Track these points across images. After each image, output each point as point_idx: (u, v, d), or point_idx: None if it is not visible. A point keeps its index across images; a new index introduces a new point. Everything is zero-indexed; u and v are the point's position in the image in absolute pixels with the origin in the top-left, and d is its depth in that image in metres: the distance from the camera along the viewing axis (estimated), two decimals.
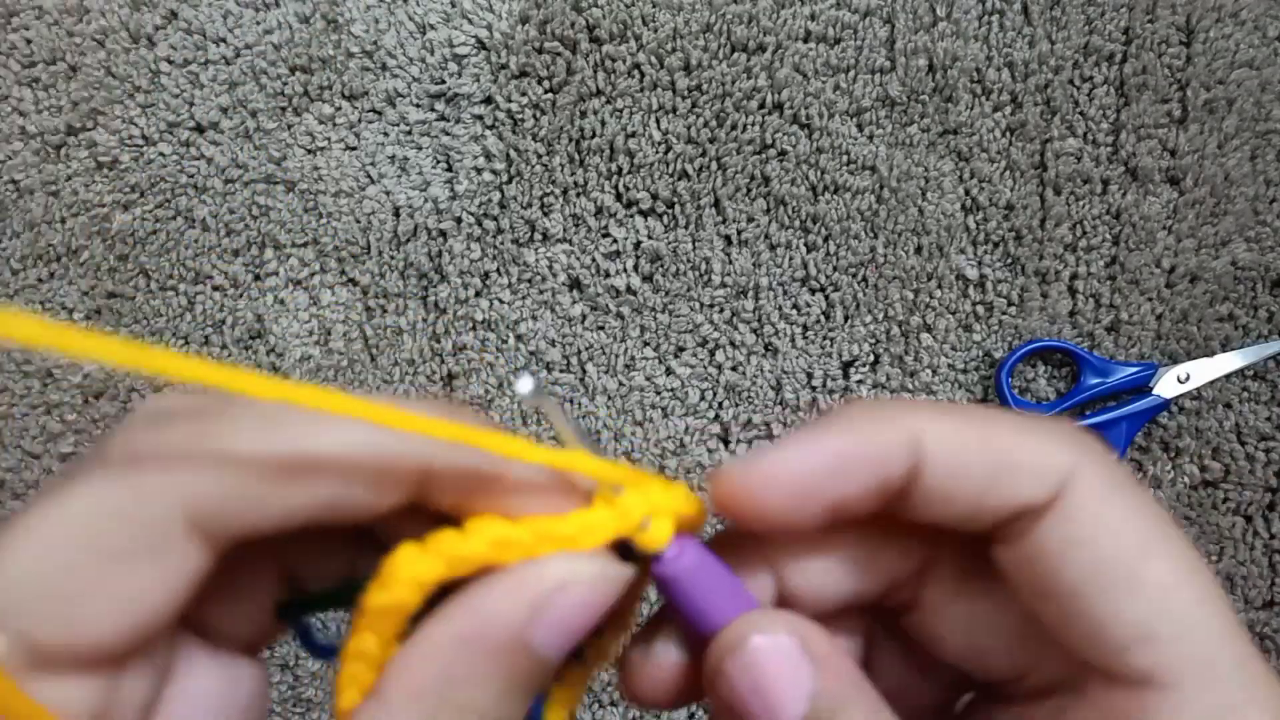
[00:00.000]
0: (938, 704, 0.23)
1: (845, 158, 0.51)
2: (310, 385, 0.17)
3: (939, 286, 0.51)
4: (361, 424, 0.17)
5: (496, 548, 0.18)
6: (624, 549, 0.20)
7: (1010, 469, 0.18)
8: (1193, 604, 0.18)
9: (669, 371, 0.51)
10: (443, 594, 0.19)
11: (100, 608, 0.16)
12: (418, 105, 0.52)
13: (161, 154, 0.52)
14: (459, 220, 0.52)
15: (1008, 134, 0.51)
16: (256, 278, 0.52)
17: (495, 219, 0.52)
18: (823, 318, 0.51)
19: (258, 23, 0.52)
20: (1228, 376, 0.50)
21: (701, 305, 0.51)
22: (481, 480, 0.19)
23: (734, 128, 0.51)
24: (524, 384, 0.19)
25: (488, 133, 0.52)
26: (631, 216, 0.52)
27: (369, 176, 0.52)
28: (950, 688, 0.23)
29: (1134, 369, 0.49)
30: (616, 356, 0.51)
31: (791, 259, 0.51)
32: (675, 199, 0.51)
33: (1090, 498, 0.18)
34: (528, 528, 0.19)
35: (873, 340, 0.51)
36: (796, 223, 0.51)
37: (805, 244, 0.51)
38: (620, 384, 0.51)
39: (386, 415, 0.17)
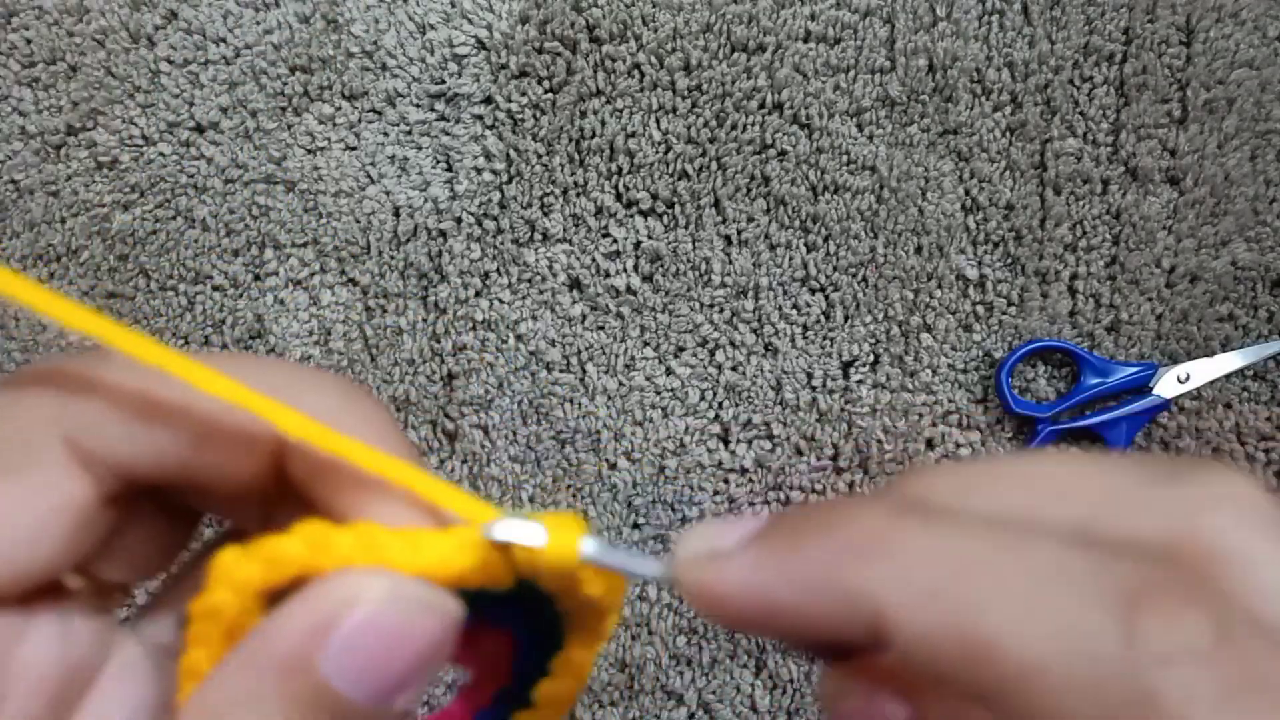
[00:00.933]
0: None
1: (845, 158, 0.51)
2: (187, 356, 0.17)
3: (939, 286, 0.51)
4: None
5: (314, 551, 0.16)
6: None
7: (1013, 706, 0.14)
8: None
9: (669, 371, 0.51)
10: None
11: None
12: (418, 105, 0.52)
13: (161, 154, 0.52)
14: (459, 220, 0.52)
15: (1008, 134, 0.51)
16: (256, 278, 0.52)
17: (495, 219, 0.52)
18: (823, 318, 0.51)
19: (258, 23, 0.52)
20: (1228, 376, 0.50)
21: (701, 305, 0.51)
22: (337, 472, 0.17)
23: (734, 128, 0.51)
24: (589, 546, 0.17)
25: (488, 133, 0.52)
26: (631, 216, 0.52)
27: (369, 176, 0.52)
28: None
29: (1134, 369, 0.49)
30: (616, 356, 0.51)
31: (791, 259, 0.51)
32: (675, 199, 0.51)
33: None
34: (354, 535, 0.17)
35: (873, 340, 0.51)
36: (796, 223, 0.51)
37: (805, 244, 0.51)
38: (620, 384, 0.51)
39: (242, 395, 0.16)
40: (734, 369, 0.51)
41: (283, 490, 0.18)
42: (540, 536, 0.17)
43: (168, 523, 0.19)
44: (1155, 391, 0.49)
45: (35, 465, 0.16)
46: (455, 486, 0.18)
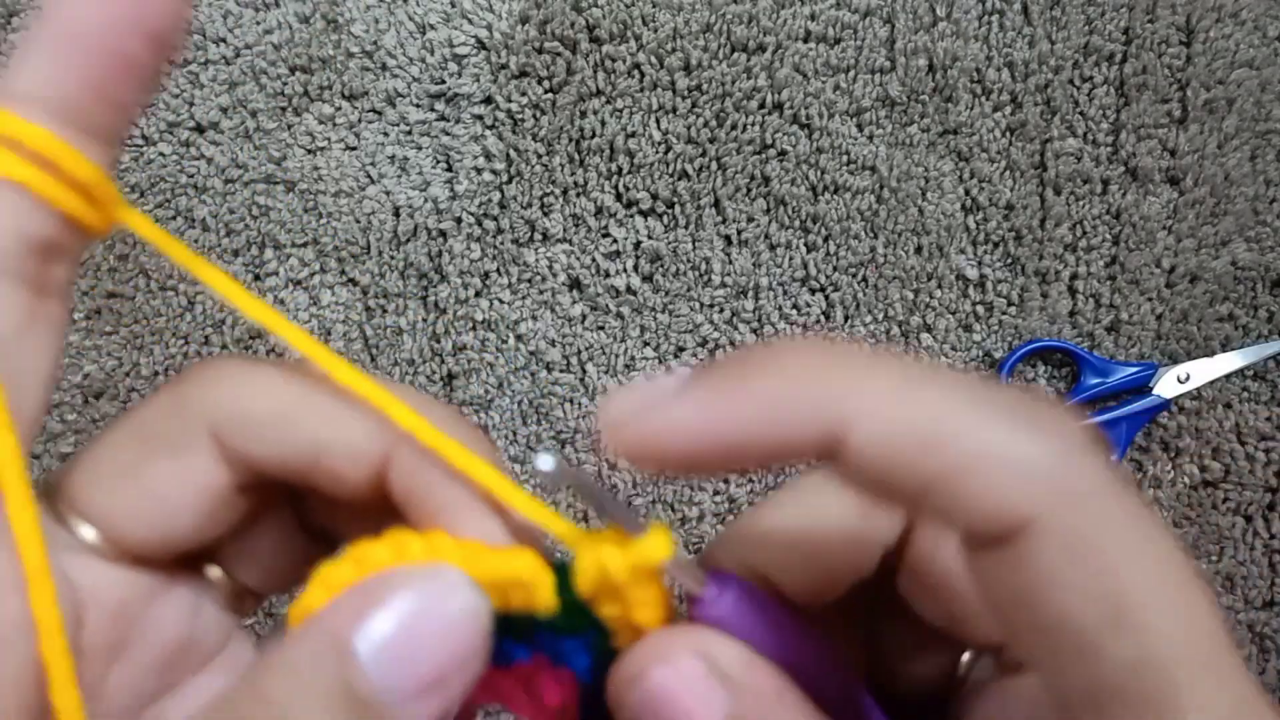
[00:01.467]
0: (945, 673, 0.21)
1: (845, 158, 0.51)
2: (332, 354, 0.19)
3: (939, 286, 0.51)
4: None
5: (395, 554, 0.18)
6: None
7: (955, 490, 0.15)
8: (1195, 645, 0.15)
9: (669, 371, 0.51)
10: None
11: (134, 495, 0.19)
12: (418, 105, 0.52)
13: (161, 154, 0.52)
14: (459, 220, 0.52)
15: (1008, 134, 0.51)
16: (256, 278, 0.52)
17: (495, 219, 0.52)
18: (823, 318, 0.51)
19: (258, 23, 0.52)
20: (1228, 376, 0.50)
21: (701, 305, 0.51)
22: (435, 487, 0.19)
23: (734, 128, 0.51)
24: (544, 461, 0.17)
25: (488, 133, 0.52)
26: (631, 216, 0.52)
27: (369, 176, 0.52)
28: (956, 654, 0.21)
29: (1134, 369, 0.49)
30: (616, 356, 0.51)
31: (791, 259, 0.51)
32: (675, 199, 0.51)
33: (1072, 522, 0.15)
34: (423, 541, 0.18)
35: (873, 340, 0.51)
36: (796, 223, 0.51)
37: (805, 244, 0.51)
38: (620, 384, 0.51)
39: (376, 395, 0.19)
40: None
41: (387, 505, 0.19)
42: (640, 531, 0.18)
43: (301, 539, 0.22)
44: (1155, 391, 0.49)
45: (187, 451, 0.19)
46: (543, 503, 0.18)
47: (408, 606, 0.16)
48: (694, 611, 0.19)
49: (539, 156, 0.52)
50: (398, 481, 0.19)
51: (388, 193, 0.52)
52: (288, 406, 0.19)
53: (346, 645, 0.16)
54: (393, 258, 0.52)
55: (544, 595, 0.18)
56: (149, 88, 0.17)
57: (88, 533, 0.19)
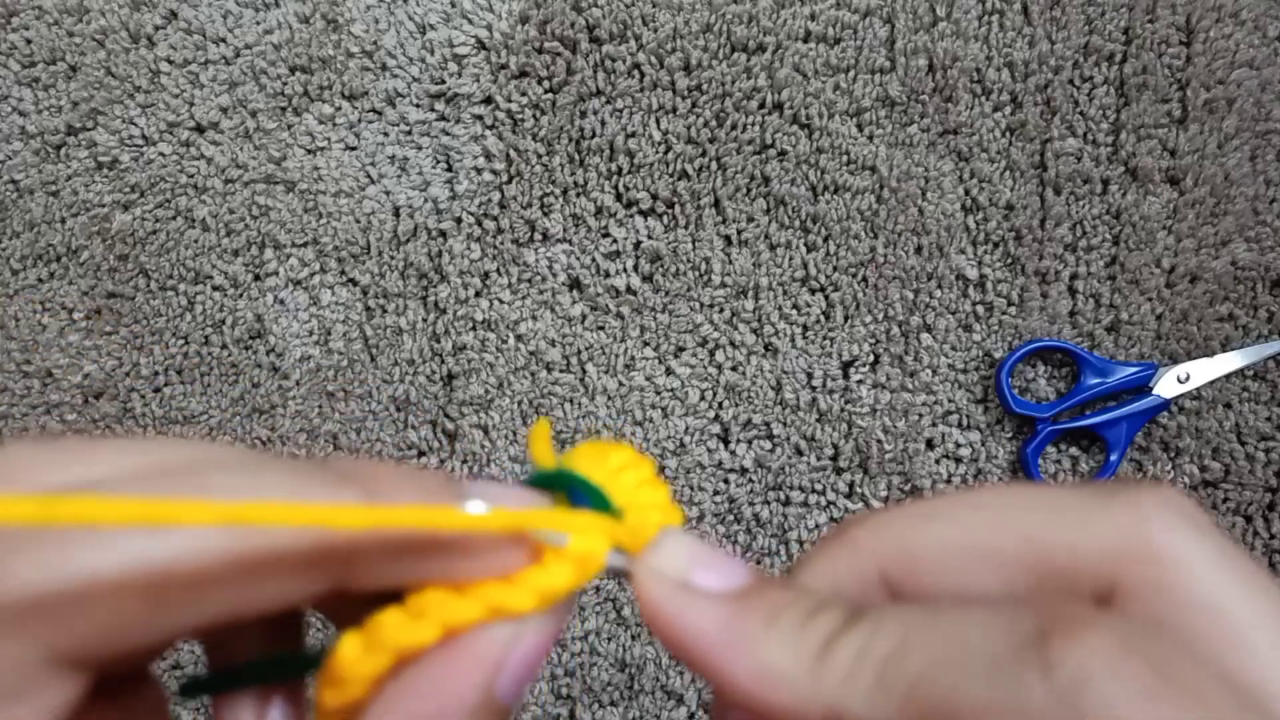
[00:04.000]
0: None
1: (845, 158, 0.51)
2: (172, 501, 0.15)
3: (939, 286, 0.51)
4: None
5: (449, 631, 0.17)
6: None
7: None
8: None
9: (669, 371, 0.51)
10: None
11: None
12: (418, 105, 0.52)
13: (161, 154, 0.52)
14: (459, 220, 0.52)
15: (1008, 134, 0.51)
16: (256, 278, 0.52)
17: (495, 219, 0.52)
18: (823, 318, 0.51)
19: (258, 23, 0.52)
20: (1228, 376, 0.50)
21: (701, 305, 0.51)
22: (414, 550, 0.17)
23: (734, 128, 0.51)
24: (475, 506, 0.17)
25: (488, 133, 0.52)
26: (631, 216, 0.52)
27: (369, 176, 0.52)
28: None
29: (1134, 369, 0.49)
30: (616, 356, 0.51)
31: (791, 259, 0.51)
32: (675, 199, 0.51)
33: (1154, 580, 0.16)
34: (479, 602, 0.17)
35: (873, 340, 0.51)
36: (796, 223, 0.51)
37: (805, 244, 0.51)
38: (620, 384, 0.51)
39: (264, 513, 0.15)
40: (734, 369, 0.51)
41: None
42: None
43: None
44: (1155, 391, 0.49)
45: (17, 695, 0.15)
46: (545, 511, 0.19)
47: (527, 649, 0.18)
48: None
49: (539, 156, 0.52)
50: (375, 572, 0.17)
51: (388, 193, 0.52)
52: (155, 574, 0.15)
53: (493, 693, 0.18)
54: (393, 258, 0.52)
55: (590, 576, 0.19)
56: None
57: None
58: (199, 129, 0.52)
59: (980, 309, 0.51)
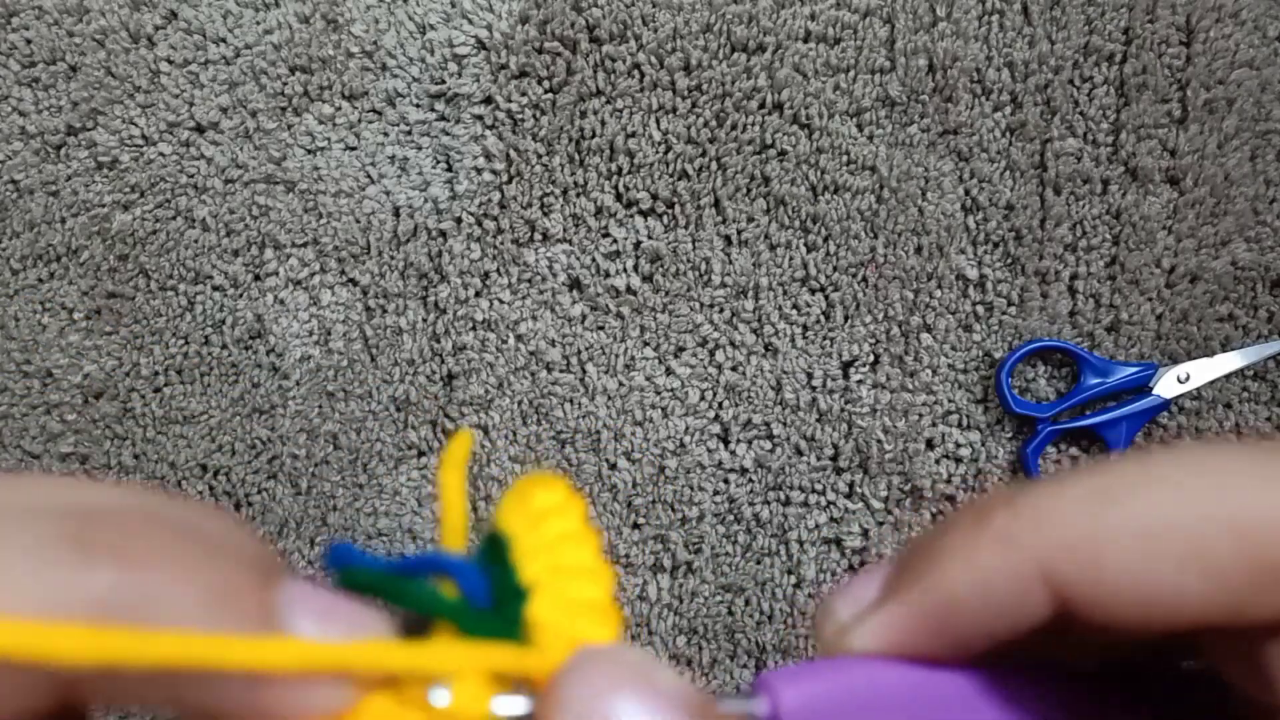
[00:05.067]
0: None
1: (845, 158, 0.51)
2: None
3: (939, 286, 0.51)
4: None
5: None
6: None
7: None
8: None
9: (669, 371, 0.51)
10: None
11: None
12: (418, 105, 0.52)
13: (161, 154, 0.52)
14: (459, 220, 0.52)
15: (1008, 134, 0.51)
16: (256, 278, 0.52)
17: (495, 219, 0.52)
18: (823, 318, 0.51)
19: (258, 23, 0.52)
20: (1228, 376, 0.50)
21: (701, 305, 0.51)
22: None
23: (734, 128, 0.51)
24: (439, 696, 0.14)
25: (488, 133, 0.52)
26: (631, 216, 0.52)
27: (369, 176, 0.52)
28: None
29: (1134, 369, 0.49)
30: (616, 356, 0.51)
31: (791, 259, 0.51)
32: (675, 199, 0.51)
33: None
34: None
35: (873, 340, 0.51)
36: (796, 223, 0.51)
37: (805, 244, 0.51)
38: (620, 384, 0.51)
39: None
40: (734, 369, 0.51)
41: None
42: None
43: None
44: (1155, 391, 0.49)
45: None
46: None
47: None
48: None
49: (539, 156, 0.52)
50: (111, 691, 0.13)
51: (388, 193, 0.52)
52: None
53: None
54: (393, 258, 0.52)
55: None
56: None
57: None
58: (199, 129, 0.52)
59: (980, 309, 0.51)
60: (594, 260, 0.52)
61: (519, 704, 0.14)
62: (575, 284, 0.52)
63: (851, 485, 0.51)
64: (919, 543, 0.16)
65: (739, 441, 0.51)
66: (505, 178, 0.52)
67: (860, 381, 0.51)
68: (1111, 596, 0.14)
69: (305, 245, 0.52)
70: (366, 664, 0.14)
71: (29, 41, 0.52)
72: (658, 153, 0.51)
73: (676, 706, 0.14)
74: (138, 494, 0.15)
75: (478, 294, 0.52)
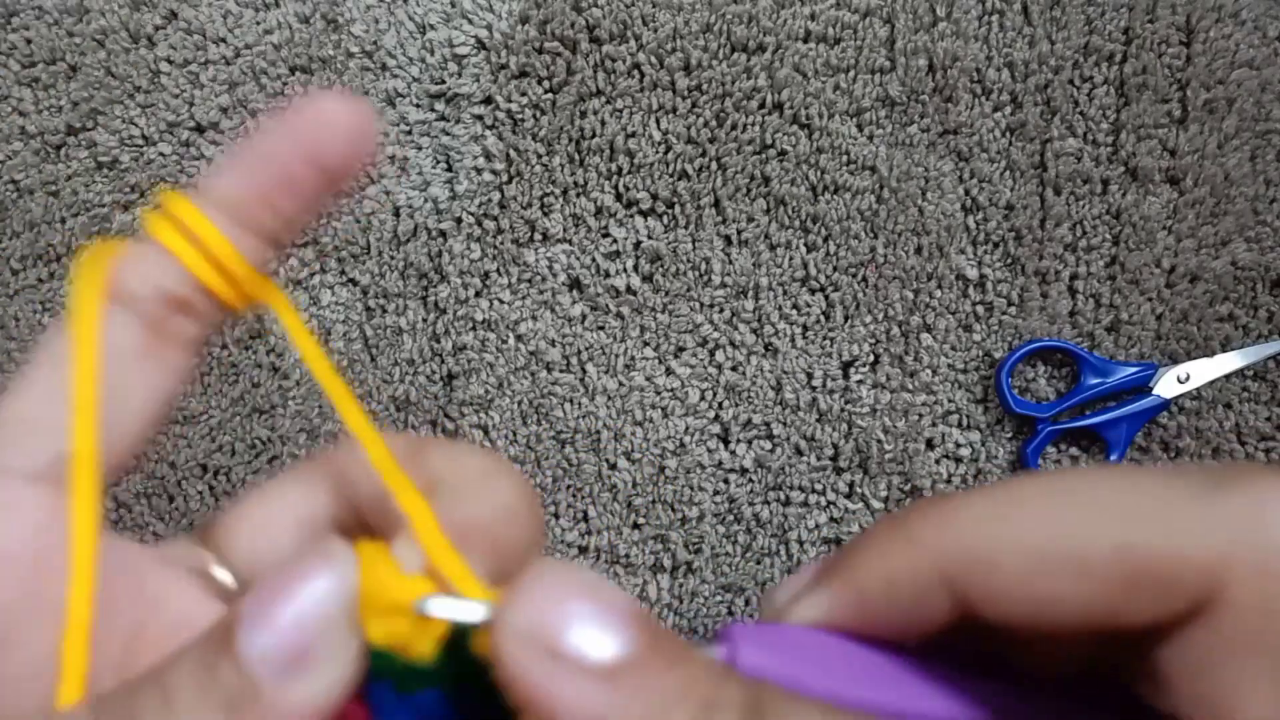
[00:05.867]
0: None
1: (845, 158, 0.51)
2: None
3: (939, 286, 0.51)
4: None
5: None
6: None
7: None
8: None
9: (669, 371, 0.51)
10: None
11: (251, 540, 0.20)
12: (418, 105, 0.52)
13: (161, 154, 0.52)
14: (459, 220, 0.52)
15: (1008, 134, 0.51)
16: None
17: (495, 219, 0.52)
18: (823, 318, 0.51)
19: (258, 23, 0.52)
20: (1228, 376, 0.50)
21: (701, 305, 0.51)
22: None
23: (734, 128, 0.51)
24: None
25: (488, 133, 0.52)
26: (631, 216, 0.52)
27: (369, 176, 0.52)
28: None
29: (1134, 369, 0.49)
30: (616, 356, 0.51)
31: (791, 259, 0.51)
32: (675, 199, 0.51)
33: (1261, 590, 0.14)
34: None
35: (873, 340, 0.51)
36: (796, 223, 0.51)
37: (805, 244, 0.51)
38: (620, 384, 0.51)
39: None
40: (734, 369, 0.51)
41: None
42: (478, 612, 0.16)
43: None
44: (1155, 391, 0.49)
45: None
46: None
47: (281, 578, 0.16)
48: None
49: (539, 156, 0.52)
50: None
51: (388, 193, 0.52)
52: None
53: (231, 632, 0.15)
54: (393, 258, 0.52)
55: (427, 640, 0.16)
56: (311, 207, 0.20)
57: (222, 575, 0.20)
58: (199, 129, 0.52)
59: (980, 309, 0.51)
60: (594, 260, 0.52)
61: (480, 610, 0.16)
62: (575, 284, 0.52)
63: (851, 485, 0.51)
64: (850, 543, 0.19)
65: (739, 441, 0.51)
66: (505, 178, 0.52)
67: (860, 381, 0.51)
68: (1001, 598, 0.16)
69: (305, 245, 0.52)
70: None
71: (29, 41, 0.52)
72: (658, 153, 0.51)
73: (627, 617, 0.15)
74: None
75: (478, 294, 0.52)
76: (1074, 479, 0.17)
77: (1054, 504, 0.16)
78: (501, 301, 0.52)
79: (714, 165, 0.51)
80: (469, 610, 0.16)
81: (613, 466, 0.51)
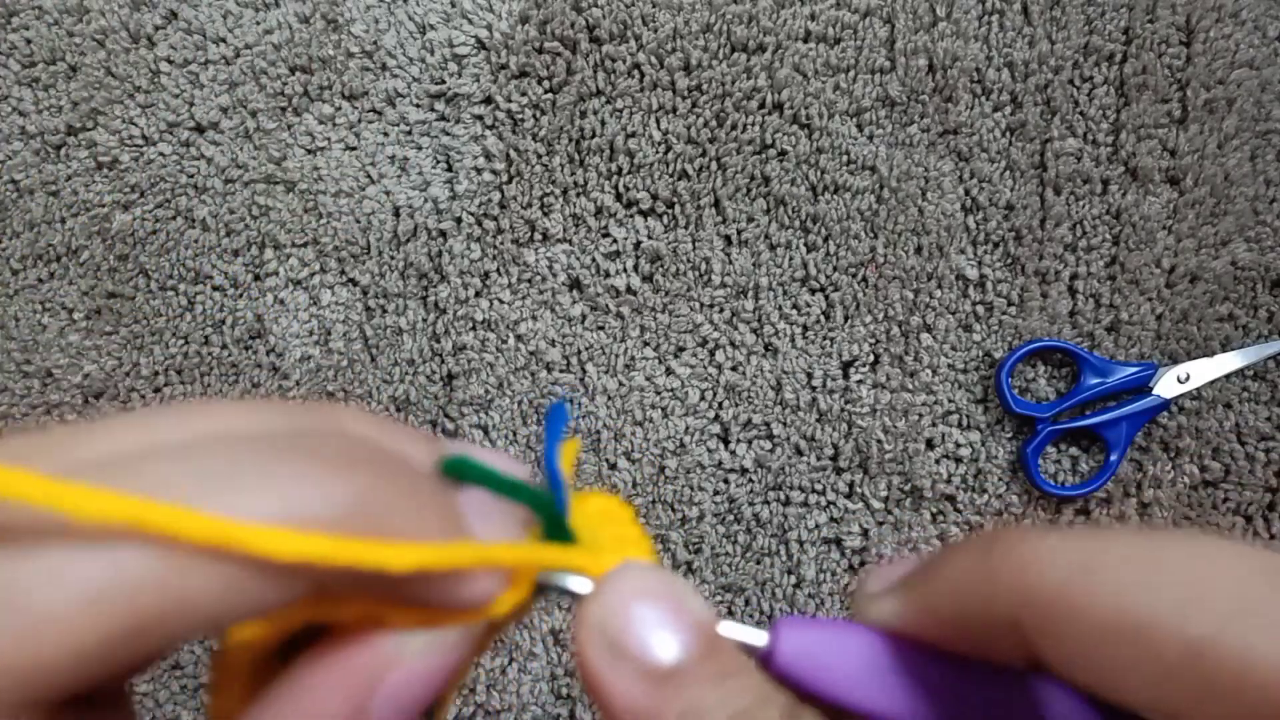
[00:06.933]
0: None
1: (845, 158, 0.51)
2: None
3: (939, 286, 0.51)
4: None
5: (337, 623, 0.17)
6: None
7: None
8: None
9: (669, 371, 0.51)
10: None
11: None
12: (418, 105, 0.52)
13: (161, 154, 0.52)
14: (459, 220, 0.52)
15: (1008, 134, 0.51)
16: (256, 278, 0.52)
17: (495, 219, 0.52)
18: (823, 318, 0.51)
19: (258, 23, 0.52)
20: (1228, 376, 0.50)
21: (701, 305, 0.51)
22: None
23: (734, 128, 0.51)
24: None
25: (488, 133, 0.52)
26: (631, 216, 0.52)
27: (369, 176, 0.52)
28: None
29: (1134, 369, 0.49)
30: (616, 356, 0.51)
31: (791, 259, 0.51)
32: (675, 199, 0.51)
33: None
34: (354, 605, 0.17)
35: (873, 340, 0.51)
36: (796, 223, 0.51)
37: (805, 244, 0.51)
38: (620, 384, 0.51)
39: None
40: (734, 369, 0.51)
41: None
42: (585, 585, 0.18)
43: None
44: (1155, 391, 0.49)
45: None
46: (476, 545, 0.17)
47: (407, 674, 0.17)
48: (769, 669, 0.18)
49: (539, 156, 0.52)
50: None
51: (388, 193, 0.52)
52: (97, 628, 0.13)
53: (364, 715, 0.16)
54: (393, 258, 0.52)
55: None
56: None
57: None
58: (199, 129, 0.52)
59: (980, 309, 0.51)
60: (594, 260, 0.52)
61: (582, 583, 0.18)
62: (575, 284, 0.52)
63: (851, 485, 0.51)
64: (940, 552, 0.18)
65: (739, 441, 0.51)
66: (505, 178, 0.52)
67: (860, 381, 0.51)
68: (1064, 662, 0.15)
69: (305, 245, 0.52)
70: (529, 560, 0.17)
71: (29, 41, 0.52)
72: (658, 153, 0.51)
73: (689, 626, 0.17)
74: (313, 413, 0.17)
75: (478, 294, 0.52)
76: (1181, 547, 0.15)
77: (1153, 571, 0.14)
78: (501, 301, 0.52)
79: (714, 165, 0.51)
80: (576, 583, 0.18)
81: (613, 466, 0.51)
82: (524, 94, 0.51)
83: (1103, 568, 0.15)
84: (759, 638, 0.19)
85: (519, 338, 0.51)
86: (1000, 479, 0.51)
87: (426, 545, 0.15)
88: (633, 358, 0.51)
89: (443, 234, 0.52)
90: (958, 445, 0.51)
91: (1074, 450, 0.51)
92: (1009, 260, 0.51)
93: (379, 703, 0.16)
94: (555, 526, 0.18)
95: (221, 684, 0.17)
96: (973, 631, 0.17)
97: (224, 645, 0.17)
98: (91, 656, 0.13)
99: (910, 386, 0.51)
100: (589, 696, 0.17)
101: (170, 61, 0.52)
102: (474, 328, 0.51)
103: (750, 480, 0.51)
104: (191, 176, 0.52)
